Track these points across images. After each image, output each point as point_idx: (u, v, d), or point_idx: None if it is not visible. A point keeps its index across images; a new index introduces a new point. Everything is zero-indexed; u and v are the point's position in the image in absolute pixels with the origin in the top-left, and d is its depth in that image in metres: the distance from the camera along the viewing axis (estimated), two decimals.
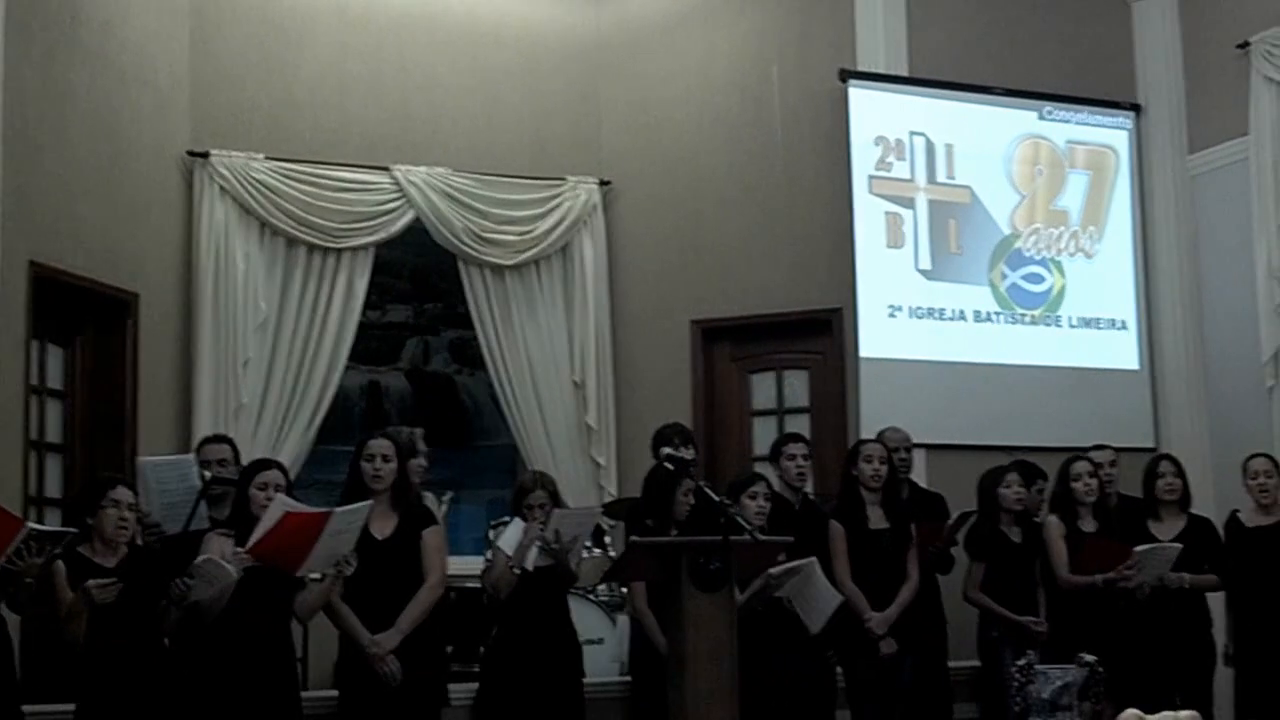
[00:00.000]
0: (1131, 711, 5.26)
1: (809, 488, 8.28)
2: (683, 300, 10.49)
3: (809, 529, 7.51)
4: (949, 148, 10.43)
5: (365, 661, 6.57)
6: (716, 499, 6.62)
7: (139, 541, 6.46)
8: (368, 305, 10.13)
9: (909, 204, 10.28)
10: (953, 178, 10.43)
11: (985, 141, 10.54)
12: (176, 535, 6.74)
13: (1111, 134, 10.85)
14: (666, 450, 7.87)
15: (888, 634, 7.60)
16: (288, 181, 9.68)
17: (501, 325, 10.19)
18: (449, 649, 8.16)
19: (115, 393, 8.81)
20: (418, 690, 6.65)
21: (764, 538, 6.83)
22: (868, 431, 9.04)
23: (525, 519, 6.94)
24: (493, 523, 8.53)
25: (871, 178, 10.19)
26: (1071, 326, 10.59)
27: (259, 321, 9.54)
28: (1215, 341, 10.39)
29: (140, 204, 9.09)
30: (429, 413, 11.46)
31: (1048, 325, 10.53)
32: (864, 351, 10.01)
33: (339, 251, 9.83)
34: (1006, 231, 10.50)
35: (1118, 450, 8.88)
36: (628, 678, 7.66)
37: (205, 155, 9.51)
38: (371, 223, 9.92)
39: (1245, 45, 10.04)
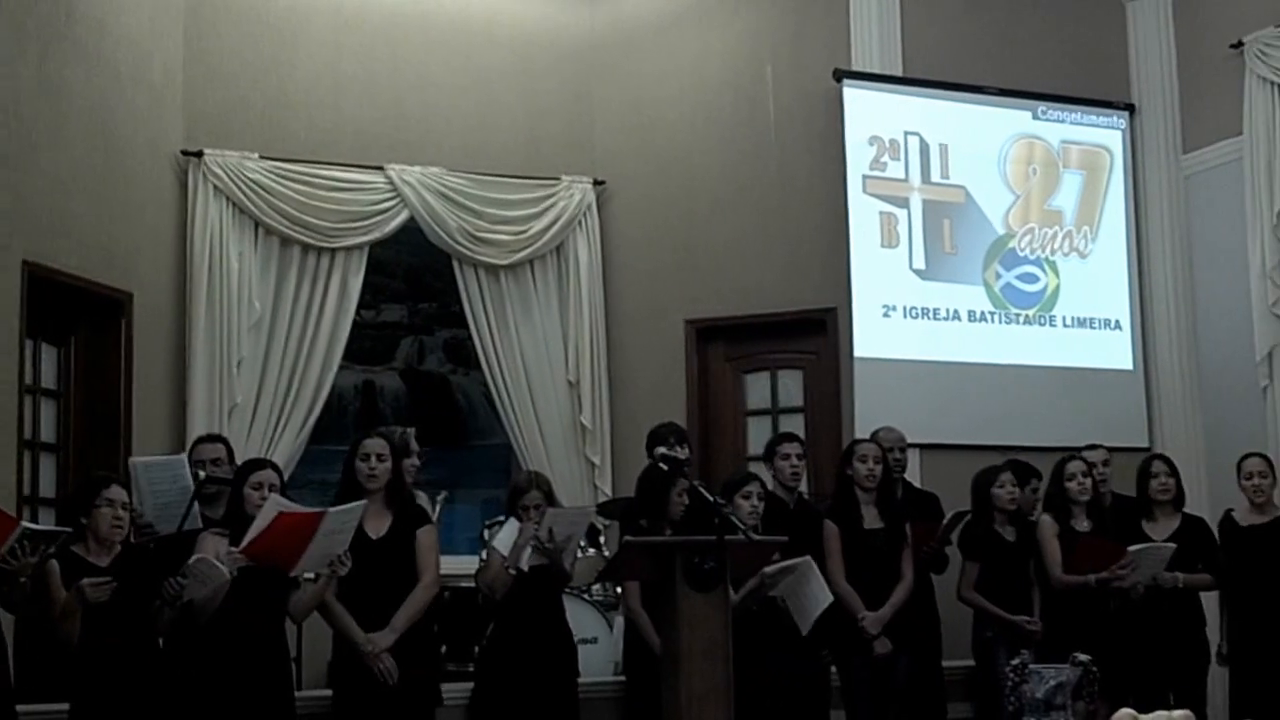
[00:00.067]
0: (1125, 711, 5.27)
1: (803, 487, 8.28)
2: (677, 300, 10.49)
3: (803, 529, 7.51)
4: (943, 147, 10.44)
5: (359, 661, 6.56)
6: (711, 499, 6.62)
7: (133, 540, 6.45)
8: (362, 305, 10.13)
9: (903, 204, 10.28)
10: (947, 177, 10.44)
11: (979, 141, 10.55)
12: (171, 535, 6.74)
13: (1106, 134, 10.85)
14: (661, 450, 7.87)
15: (882, 633, 7.60)
16: (282, 181, 9.68)
17: (496, 325, 10.19)
18: (443, 649, 8.18)
19: (109, 392, 8.79)
20: (412, 690, 6.64)
21: (758, 537, 6.83)
22: (862, 431, 9.05)
23: (520, 519, 6.94)
24: (487, 522, 8.54)
25: (866, 177, 10.19)
26: (1066, 326, 10.60)
27: (253, 321, 9.54)
28: (1209, 341, 10.39)
29: (134, 203, 9.08)
30: (423, 412, 11.45)
31: (1042, 325, 10.54)
32: (858, 351, 10.02)
33: (333, 251, 9.83)
34: (1001, 231, 10.51)
35: (1112, 450, 8.90)
36: (622, 677, 7.65)
37: (199, 154, 9.51)
38: (366, 222, 9.92)
39: (1239, 45, 10.05)
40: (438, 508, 8.62)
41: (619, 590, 8.04)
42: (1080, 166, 10.79)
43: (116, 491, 6.21)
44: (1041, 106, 10.72)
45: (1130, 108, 10.88)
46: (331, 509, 6.23)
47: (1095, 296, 10.69)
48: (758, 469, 8.42)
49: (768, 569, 6.88)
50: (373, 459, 6.75)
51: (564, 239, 10.35)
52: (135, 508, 6.58)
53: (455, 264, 10.20)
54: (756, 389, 10.66)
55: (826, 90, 10.26)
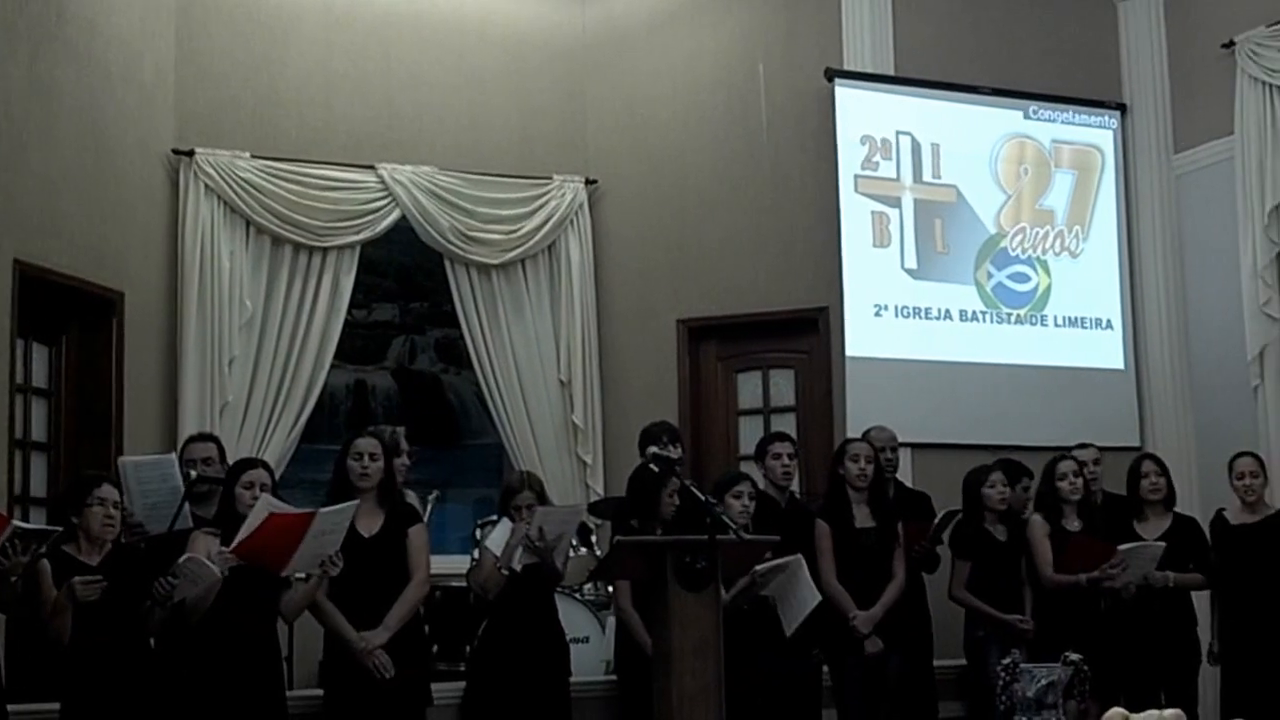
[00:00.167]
0: (1116, 710, 5.27)
1: (795, 487, 8.28)
2: (669, 299, 10.49)
3: (795, 528, 7.51)
4: (935, 147, 10.44)
5: (350, 660, 6.56)
6: (702, 498, 6.62)
7: (123, 540, 6.45)
8: (353, 304, 10.13)
9: (895, 203, 10.29)
10: (939, 177, 10.44)
11: (971, 141, 10.55)
12: (162, 535, 6.73)
13: (1097, 133, 10.86)
14: (653, 449, 7.86)
15: (873, 633, 7.61)
16: (273, 180, 9.67)
17: (488, 324, 10.18)
18: (434, 648, 8.18)
19: (100, 391, 8.78)
20: (403, 689, 6.64)
21: (750, 536, 6.84)
22: (854, 431, 9.06)
23: (513, 519, 6.94)
24: (479, 521, 8.53)
25: (858, 177, 10.20)
26: (1057, 326, 10.61)
27: (244, 320, 9.53)
28: (1200, 341, 10.40)
29: (125, 202, 9.07)
30: (415, 412, 11.46)
31: (1033, 325, 10.55)
32: (850, 351, 10.02)
33: (325, 250, 9.82)
34: (992, 231, 10.52)
35: (1103, 449, 8.91)
36: (614, 677, 7.65)
37: (190, 153, 9.50)
38: (357, 221, 9.91)
39: (1230, 45, 10.06)
40: (429, 507, 8.63)
41: (610, 589, 8.05)
42: (1072, 166, 10.80)
43: (108, 490, 6.20)
44: (1033, 106, 10.73)
45: (1122, 107, 10.89)
46: (323, 509, 6.23)
47: (1087, 296, 10.70)
48: (749, 468, 8.44)
49: (759, 567, 6.88)
50: (365, 458, 6.75)
51: (556, 238, 10.35)
52: (125, 507, 6.57)
53: (447, 263, 10.19)
54: (748, 388, 10.66)
55: (818, 89, 10.26)
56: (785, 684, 7.30)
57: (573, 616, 8.06)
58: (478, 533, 8.21)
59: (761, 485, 7.69)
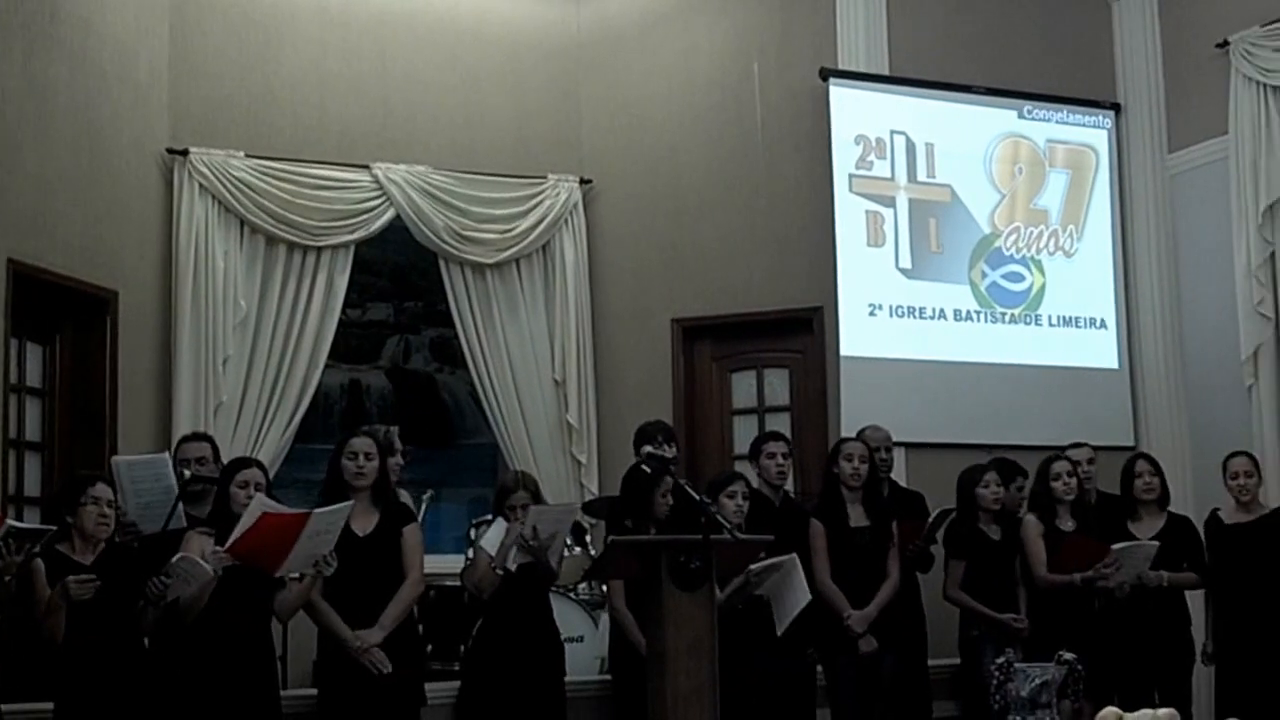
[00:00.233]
0: (1110, 709, 5.28)
1: (789, 486, 8.29)
2: (663, 298, 10.49)
3: (789, 527, 7.52)
4: (929, 146, 10.45)
5: (344, 659, 6.56)
6: (697, 497, 6.62)
7: (117, 539, 6.44)
8: (348, 303, 10.12)
9: (889, 203, 10.29)
10: (933, 177, 10.45)
11: (965, 140, 10.56)
12: (156, 534, 6.73)
13: (1091, 133, 10.87)
14: (648, 449, 7.89)
15: (867, 632, 7.61)
16: (267, 179, 9.66)
17: (482, 324, 10.17)
18: (428, 648, 8.18)
19: (94, 391, 8.78)
20: (396, 688, 6.64)
21: (744, 536, 6.83)
22: (848, 430, 9.06)
23: (508, 519, 6.95)
24: (474, 521, 8.53)
25: (852, 176, 10.20)
26: (1051, 325, 10.62)
27: (239, 319, 9.52)
28: (1194, 340, 10.41)
29: (120, 201, 9.06)
30: (409, 411, 11.44)
31: (1027, 324, 10.55)
32: (844, 350, 10.02)
33: (319, 249, 9.82)
34: (986, 230, 10.52)
35: (1097, 449, 8.92)
36: (608, 676, 7.65)
37: (185, 153, 9.49)
38: (351, 221, 9.90)
39: (1225, 44, 10.07)
40: (424, 507, 8.63)
41: (605, 589, 8.05)
42: (1066, 165, 10.80)
43: (102, 489, 6.21)
44: (1027, 106, 10.73)
45: (1116, 107, 10.90)
46: (317, 510, 6.22)
47: (1081, 295, 10.70)
48: (744, 468, 8.45)
49: (753, 566, 6.88)
50: (360, 457, 6.76)
51: (550, 238, 10.34)
52: (119, 506, 6.56)
53: (441, 263, 10.19)
54: (743, 388, 10.66)
55: (813, 89, 10.26)
56: (779, 683, 7.30)
57: (567, 616, 8.05)
58: (472, 532, 8.21)
59: (756, 485, 7.69)
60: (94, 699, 5.99)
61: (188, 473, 7.03)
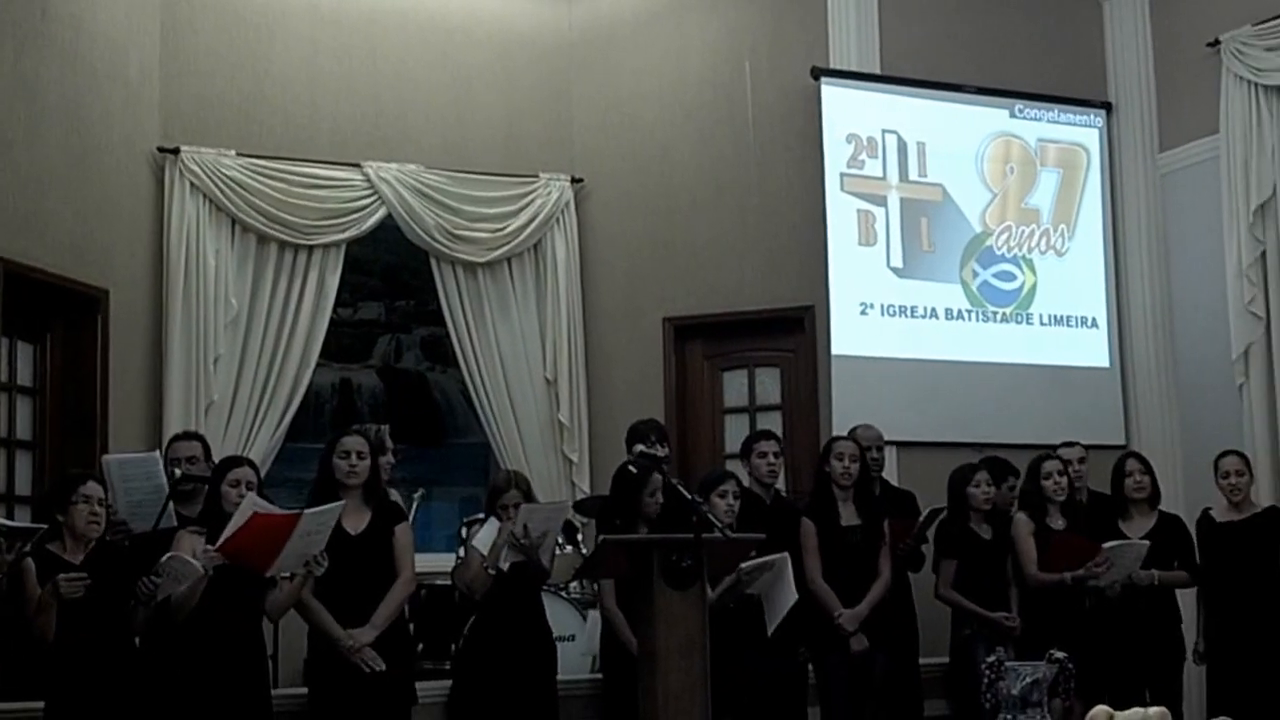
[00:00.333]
0: (1101, 708, 5.28)
1: (780, 485, 8.29)
2: (655, 297, 10.49)
3: (780, 526, 7.51)
4: (921, 146, 10.45)
5: (335, 658, 6.56)
6: (688, 496, 6.62)
7: (108, 538, 6.43)
8: (339, 302, 10.12)
9: (881, 202, 10.29)
10: (924, 175, 10.45)
11: (957, 139, 10.56)
12: (146, 533, 6.72)
13: (1082, 132, 10.88)
14: (640, 447, 7.89)
15: (859, 631, 7.61)
16: (259, 178, 9.65)
17: (474, 322, 10.17)
18: (419, 647, 8.17)
19: (85, 389, 8.76)
20: (387, 687, 6.64)
21: (735, 535, 6.83)
22: (839, 429, 9.07)
23: (500, 519, 6.96)
24: (466, 520, 8.52)
25: (844, 175, 10.20)
26: (1042, 324, 10.62)
27: (230, 318, 9.51)
28: (1185, 339, 10.42)
29: (110, 200, 9.05)
30: (401, 410, 11.43)
31: (1019, 323, 10.56)
32: (836, 349, 10.03)
33: (310, 248, 9.81)
34: (978, 229, 10.53)
35: (1088, 448, 8.91)
36: (599, 675, 7.65)
37: (176, 151, 9.47)
38: (343, 220, 9.89)
39: (1216, 44, 10.07)
40: (414, 506, 8.63)
41: (596, 587, 8.05)
42: (1057, 165, 10.81)
43: (93, 488, 6.20)
44: (1019, 105, 10.74)
45: (1107, 106, 10.91)
46: (308, 510, 6.22)
47: (1072, 294, 10.71)
48: (735, 466, 8.44)
49: (744, 565, 6.88)
50: (353, 456, 6.76)
51: (542, 236, 10.34)
52: (110, 505, 6.55)
53: (433, 261, 10.18)
54: (734, 386, 10.66)
55: (805, 88, 10.26)
56: (771, 682, 7.31)
57: (558, 614, 8.04)
58: (464, 531, 8.21)
59: (747, 483, 7.69)
60: (85, 698, 5.98)
61: (178, 471, 7.02)
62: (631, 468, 7.31)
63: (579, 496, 9.77)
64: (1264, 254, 9.71)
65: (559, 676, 7.30)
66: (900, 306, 10.24)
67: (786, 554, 7.10)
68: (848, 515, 7.80)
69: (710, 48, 10.60)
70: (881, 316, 10.18)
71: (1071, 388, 10.52)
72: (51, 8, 8.53)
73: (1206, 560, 8.14)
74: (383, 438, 7.57)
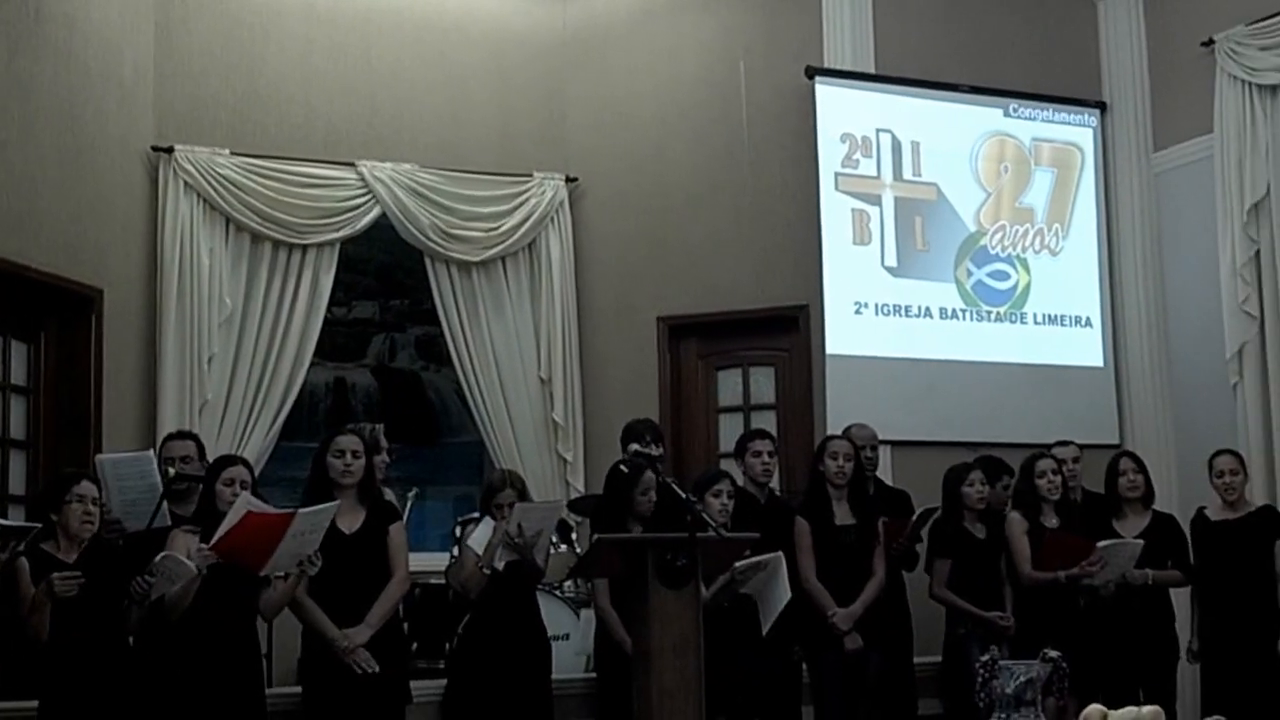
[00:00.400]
0: (1095, 707, 5.28)
1: (774, 484, 8.29)
2: (649, 297, 10.48)
3: (775, 525, 7.51)
4: (915, 145, 10.46)
5: (329, 658, 6.55)
6: (682, 495, 6.62)
7: (102, 536, 6.42)
8: (333, 301, 10.11)
9: (875, 201, 10.30)
10: (919, 175, 10.46)
11: (951, 139, 10.57)
12: (140, 532, 6.71)
13: (1077, 131, 10.89)
14: (635, 446, 7.89)
15: (852, 630, 7.61)
16: (253, 177, 9.64)
17: (468, 321, 10.17)
18: (414, 646, 8.17)
19: (79, 389, 8.76)
20: (381, 687, 6.63)
21: (730, 534, 6.83)
22: (834, 428, 9.07)
23: (495, 518, 6.95)
24: (460, 519, 8.52)
25: (838, 175, 10.21)
26: (1036, 323, 10.63)
27: (224, 317, 9.51)
28: (1180, 338, 10.43)
29: (105, 199, 9.04)
30: (395, 409, 11.41)
31: (1013, 322, 10.57)
32: (830, 348, 10.03)
33: (304, 248, 9.80)
34: (972, 229, 10.53)
35: (1082, 447, 8.93)
36: (593, 674, 7.65)
37: (170, 150, 9.47)
38: (337, 219, 9.89)
39: (1210, 43, 10.08)
40: (409, 505, 8.62)
41: (591, 587, 8.04)
42: (1051, 164, 10.82)
43: (87, 487, 6.19)
44: (1013, 104, 10.75)
45: (1101, 105, 10.92)
46: (302, 510, 6.20)
47: (1066, 294, 10.72)
48: (729, 465, 8.44)
49: (738, 564, 6.88)
50: (348, 455, 6.75)
51: (536, 236, 10.33)
52: (104, 504, 6.55)
53: (427, 261, 10.18)
54: (728, 386, 10.66)
55: (799, 87, 10.26)
56: (765, 681, 7.32)
57: (552, 613, 8.05)
58: (458, 531, 8.21)
59: (741, 482, 7.70)
60: (79, 697, 5.98)
61: (172, 471, 7.02)
62: (623, 466, 7.32)
63: (573, 496, 9.76)
64: (1258, 253, 9.72)
65: (554, 676, 7.29)
66: (895, 306, 10.24)
67: (781, 553, 7.10)
68: (842, 514, 7.80)
69: (705, 47, 10.60)
70: (876, 316, 10.18)
71: (1066, 387, 10.53)
72: (45, 7, 8.51)
73: (1200, 559, 8.15)
74: (377, 437, 7.56)
